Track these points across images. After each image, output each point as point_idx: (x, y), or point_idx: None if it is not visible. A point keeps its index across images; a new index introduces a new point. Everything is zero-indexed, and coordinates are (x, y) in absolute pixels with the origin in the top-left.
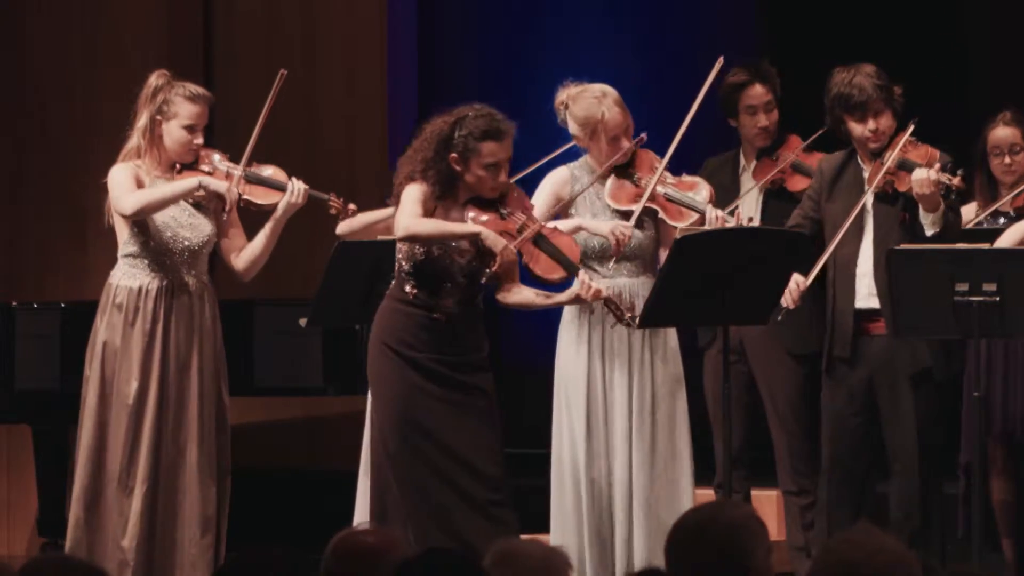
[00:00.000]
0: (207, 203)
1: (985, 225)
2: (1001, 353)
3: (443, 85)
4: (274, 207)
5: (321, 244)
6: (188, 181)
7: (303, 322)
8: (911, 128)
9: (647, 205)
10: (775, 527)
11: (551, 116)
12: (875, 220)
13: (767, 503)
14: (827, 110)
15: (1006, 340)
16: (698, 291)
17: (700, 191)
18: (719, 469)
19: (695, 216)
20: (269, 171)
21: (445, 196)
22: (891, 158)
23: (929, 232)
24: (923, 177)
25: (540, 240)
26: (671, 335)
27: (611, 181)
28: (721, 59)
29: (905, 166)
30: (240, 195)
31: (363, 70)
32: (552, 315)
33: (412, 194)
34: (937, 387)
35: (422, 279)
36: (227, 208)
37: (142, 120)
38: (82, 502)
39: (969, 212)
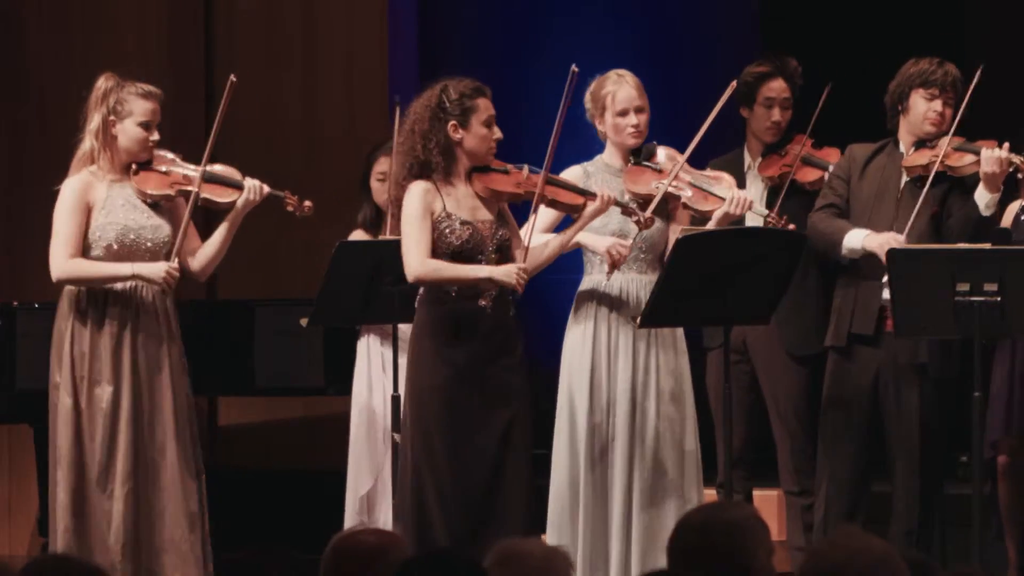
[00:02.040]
0: (164, 203)
1: None
2: (1022, 352)
3: None
4: (233, 205)
5: (321, 245)
6: (122, 269)
7: (304, 322)
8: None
9: (668, 191)
10: (776, 527)
11: (551, 115)
12: (904, 209)
13: (768, 503)
14: (891, 90)
15: (1009, 341)
16: (698, 291)
17: (723, 184)
18: (720, 469)
19: (719, 202)
20: (224, 170)
21: (446, 171)
22: (947, 141)
23: (986, 213)
24: (995, 155)
25: (550, 181)
26: (678, 334)
27: (627, 170)
28: (734, 83)
29: (965, 148)
30: (199, 195)
31: (363, 70)
32: (561, 313)
33: (411, 210)
34: (939, 387)
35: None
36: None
37: (94, 122)
38: (70, 510)
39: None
